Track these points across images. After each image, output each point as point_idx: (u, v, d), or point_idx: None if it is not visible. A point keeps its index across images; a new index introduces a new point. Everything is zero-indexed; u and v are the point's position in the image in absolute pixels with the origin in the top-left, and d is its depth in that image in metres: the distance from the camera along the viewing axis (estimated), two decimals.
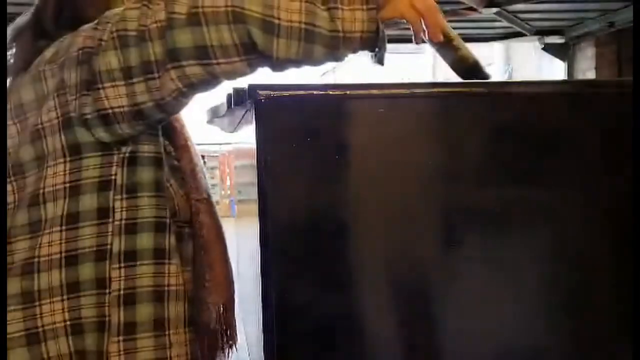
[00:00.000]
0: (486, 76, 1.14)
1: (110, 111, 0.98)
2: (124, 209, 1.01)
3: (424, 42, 1.14)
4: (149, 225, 1.02)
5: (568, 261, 1.25)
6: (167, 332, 1.02)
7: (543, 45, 5.77)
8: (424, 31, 1.09)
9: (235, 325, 1.25)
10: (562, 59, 5.83)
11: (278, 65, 1.03)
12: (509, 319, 1.23)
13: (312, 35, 0.95)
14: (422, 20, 1.07)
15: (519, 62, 8.18)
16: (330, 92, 1.15)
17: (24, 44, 1.11)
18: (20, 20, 1.16)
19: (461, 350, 1.22)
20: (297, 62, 1.03)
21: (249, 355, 1.66)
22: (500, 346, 1.24)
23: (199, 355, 1.11)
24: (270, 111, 1.10)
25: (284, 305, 1.13)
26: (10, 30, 1.15)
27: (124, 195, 1.01)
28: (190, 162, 1.15)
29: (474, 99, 1.22)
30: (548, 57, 6.01)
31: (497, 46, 8.17)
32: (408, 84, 1.20)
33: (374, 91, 1.19)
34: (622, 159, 1.24)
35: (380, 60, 1.10)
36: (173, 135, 1.14)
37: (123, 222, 1.00)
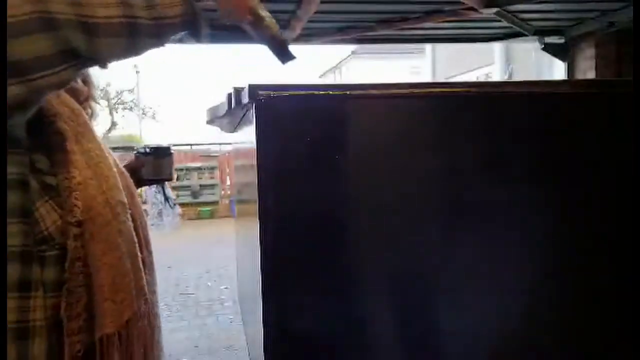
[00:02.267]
0: (293, 57, 1.11)
1: None
2: None
3: (233, 24, 1.08)
4: (14, 255, 0.92)
5: (568, 260, 1.25)
6: None
7: (543, 45, 5.76)
8: (232, 12, 1.02)
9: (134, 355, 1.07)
10: (562, 59, 5.83)
11: (105, 62, 0.92)
12: (508, 317, 1.23)
13: (135, 27, 0.87)
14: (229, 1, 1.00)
15: (519, 62, 8.17)
16: (330, 92, 1.15)
17: None
18: None
19: (461, 350, 1.22)
20: (125, 56, 0.93)
21: (249, 355, 1.66)
22: (500, 345, 1.24)
23: None
24: (270, 111, 1.10)
25: (284, 305, 1.13)
26: None
27: None
28: (67, 178, 0.98)
29: (473, 99, 1.22)
30: (548, 57, 6.01)
31: (497, 46, 8.17)
32: (408, 84, 1.20)
33: (374, 91, 1.19)
34: (622, 159, 1.24)
35: (198, 38, 1.01)
36: (53, 148, 0.99)
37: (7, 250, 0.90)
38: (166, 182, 1.48)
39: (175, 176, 1.47)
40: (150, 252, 1.14)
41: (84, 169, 1.01)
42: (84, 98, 1.09)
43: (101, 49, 0.86)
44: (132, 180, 1.16)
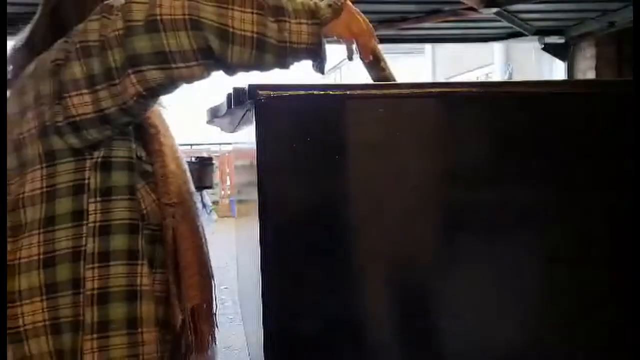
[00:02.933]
0: None
1: (77, 118, 1.02)
2: (97, 212, 1.05)
3: (356, 59, 1.26)
4: (122, 227, 1.06)
5: (568, 261, 1.25)
6: (139, 330, 1.05)
7: (543, 45, 5.77)
8: (357, 50, 1.22)
9: (207, 331, 1.23)
10: (562, 59, 5.83)
11: (231, 69, 1.08)
12: (508, 318, 1.23)
13: (263, 44, 1.03)
14: (356, 41, 1.20)
15: (519, 62, 8.17)
16: (330, 92, 1.15)
17: (19, 60, 1.16)
18: (18, 39, 1.21)
19: (461, 349, 1.22)
20: (249, 68, 1.09)
21: (249, 355, 1.66)
22: (500, 345, 1.24)
23: (170, 355, 1.12)
24: (270, 111, 1.10)
25: (284, 305, 1.13)
26: (9, 49, 1.21)
27: (98, 199, 1.05)
28: (163, 166, 1.16)
29: (474, 99, 1.22)
30: (548, 57, 6.01)
31: (497, 46, 8.17)
32: (408, 84, 1.20)
33: (374, 91, 1.19)
34: (622, 159, 1.24)
35: (321, 70, 1.19)
36: (147, 141, 1.16)
37: (97, 224, 1.04)
38: (205, 190, 1.63)
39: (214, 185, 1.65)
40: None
41: (172, 160, 1.18)
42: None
43: (231, 54, 1.02)
44: None
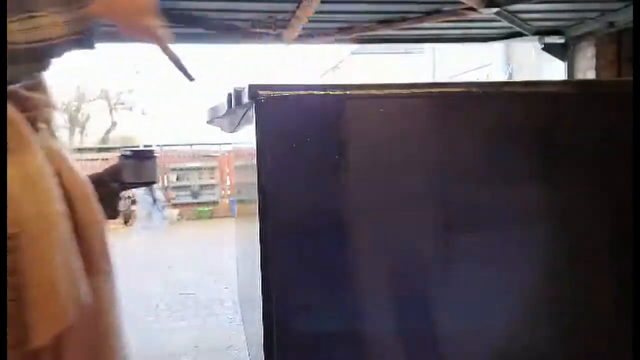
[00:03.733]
0: (192, 77, 1.13)
1: None
2: None
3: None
4: None
5: (568, 259, 1.25)
6: None
7: (543, 45, 5.76)
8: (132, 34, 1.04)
9: None
10: (562, 59, 5.83)
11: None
12: (508, 316, 1.23)
13: (13, 53, 0.87)
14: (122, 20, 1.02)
15: (519, 62, 8.16)
16: (330, 92, 1.15)
17: None
18: None
19: (460, 349, 1.22)
20: (30, 76, 0.95)
21: (249, 355, 1.66)
22: (500, 344, 1.24)
23: None
24: (270, 111, 1.10)
25: (284, 305, 1.13)
26: None
27: None
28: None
29: (473, 99, 1.22)
30: (548, 57, 6.01)
31: (497, 46, 8.16)
32: (408, 84, 1.20)
33: (374, 91, 1.19)
34: (622, 159, 1.24)
35: (90, 45, 1.01)
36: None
37: None
38: (153, 185, 1.46)
39: (159, 179, 1.44)
40: (107, 258, 1.12)
41: (17, 181, 0.99)
42: (32, 106, 1.05)
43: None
44: (91, 187, 1.12)
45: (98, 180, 1.16)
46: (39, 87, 1.09)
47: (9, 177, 0.97)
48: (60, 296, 1.01)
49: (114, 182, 1.21)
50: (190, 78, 1.08)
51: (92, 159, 10.05)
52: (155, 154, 1.36)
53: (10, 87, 0.95)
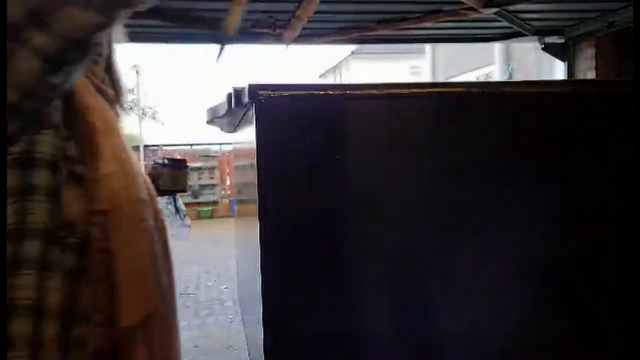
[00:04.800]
0: None
1: None
2: (13, 214, 0.94)
3: None
4: (35, 232, 0.95)
5: (567, 260, 1.26)
6: (41, 351, 0.94)
7: (543, 45, 5.76)
8: None
9: (143, 357, 1.07)
10: (562, 59, 5.83)
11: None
12: (508, 316, 1.23)
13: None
14: None
15: (519, 62, 8.17)
16: (330, 92, 1.15)
17: None
18: None
19: (461, 350, 1.22)
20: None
21: (249, 355, 1.66)
22: (499, 344, 1.24)
23: None
24: (270, 111, 1.10)
25: (284, 305, 1.13)
26: None
27: (15, 199, 0.95)
28: (95, 169, 1.03)
29: (473, 99, 1.22)
30: (548, 57, 6.01)
31: (497, 46, 8.17)
32: (408, 84, 1.20)
33: (374, 91, 1.19)
34: (622, 159, 1.24)
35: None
36: (82, 140, 1.05)
37: (12, 227, 0.94)
38: (178, 194, 1.53)
39: (188, 188, 1.54)
40: (168, 257, 1.16)
41: (110, 162, 1.05)
42: (110, 102, 1.11)
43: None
44: (152, 186, 1.18)
45: None
46: (117, 86, 1.16)
47: (104, 158, 1.03)
48: (148, 278, 1.07)
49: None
50: None
51: None
52: (188, 165, 1.47)
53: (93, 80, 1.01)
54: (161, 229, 1.15)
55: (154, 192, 1.17)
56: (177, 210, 1.57)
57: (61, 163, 0.98)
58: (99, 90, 1.08)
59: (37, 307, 0.93)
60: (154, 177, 1.39)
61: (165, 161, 1.46)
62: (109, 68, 1.12)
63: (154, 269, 1.08)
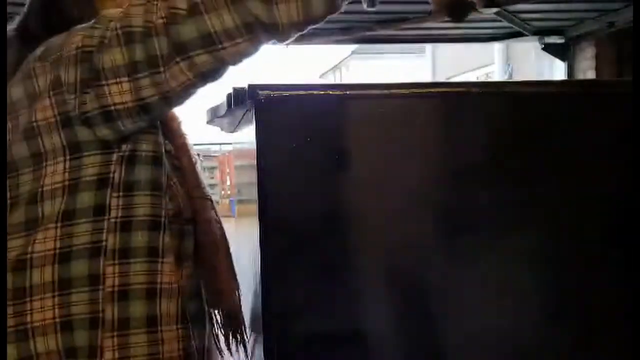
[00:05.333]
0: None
1: (112, 107, 0.99)
2: (120, 207, 1.02)
3: None
4: (144, 223, 1.03)
5: (567, 260, 1.25)
6: (159, 329, 1.03)
7: (543, 45, 5.77)
8: None
9: (238, 326, 1.22)
10: (562, 59, 5.83)
11: (283, 33, 1.01)
12: (508, 317, 1.23)
13: None
14: None
15: (519, 62, 8.17)
16: (330, 92, 1.15)
17: (13, 51, 1.12)
18: (8, 30, 1.16)
19: (461, 351, 1.22)
20: (301, 24, 1.01)
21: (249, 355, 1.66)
22: (500, 345, 1.24)
23: (193, 351, 1.08)
24: (270, 111, 1.10)
25: (284, 306, 1.14)
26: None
27: (121, 193, 1.02)
28: (190, 160, 1.15)
29: (474, 99, 1.22)
30: (548, 57, 6.02)
31: (497, 46, 8.17)
32: (408, 84, 1.20)
33: (374, 91, 1.19)
34: (622, 159, 1.24)
35: (372, 3, 1.17)
36: (171, 134, 1.14)
37: (119, 219, 1.02)
38: None
39: None
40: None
41: (194, 154, 1.17)
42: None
43: (279, 15, 0.96)
44: None
45: None
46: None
47: (182, 161, 1.14)
48: (233, 274, 1.20)
49: None
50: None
51: None
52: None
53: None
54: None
55: None
56: None
57: (163, 158, 1.07)
58: None
59: (151, 290, 1.03)
60: None
61: None
62: None
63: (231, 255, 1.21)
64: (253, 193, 1.18)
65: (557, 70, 6.10)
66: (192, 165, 1.15)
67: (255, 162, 1.12)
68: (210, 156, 11.62)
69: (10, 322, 0.99)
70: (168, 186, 1.07)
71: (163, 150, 1.08)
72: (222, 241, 1.18)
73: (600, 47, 5.43)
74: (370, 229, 1.18)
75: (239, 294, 1.21)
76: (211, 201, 1.19)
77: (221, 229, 1.20)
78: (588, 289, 1.27)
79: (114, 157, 1.03)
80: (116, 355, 1.00)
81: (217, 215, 1.19)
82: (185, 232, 1.11)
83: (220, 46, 0.97)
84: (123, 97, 0.99)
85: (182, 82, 1.00)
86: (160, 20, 0.96)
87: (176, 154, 1.13)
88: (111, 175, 1.03)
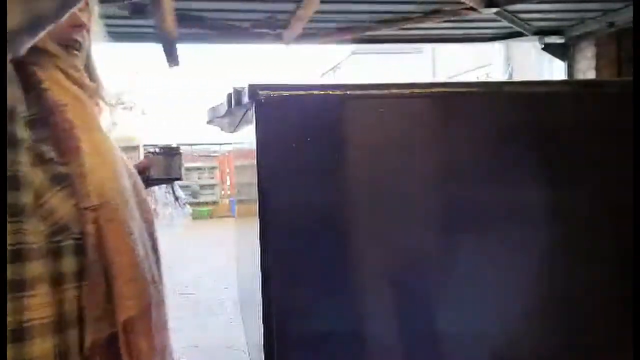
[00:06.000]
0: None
1: None
2: (10, 234, 0.91)
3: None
4: (10, 253, 0.91)
5: (567, 259, 1.25)
6: None
7: (543, 45, 5.77)
8: None
9: (146, 346, 1.05)
10: (562, 59, 5.83)
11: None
12: (508, 316, 1.23)
13: None
14: None
15: (519, 62, 8.17)
16: (330, 92, 1.15)
17: None
18: None
19: (461, 351, 1.22)
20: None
21: (249, 355, 1.66)
22: (500, 344, 1.24)
23: None
24: (270, 111, 1.10)
25: (284, 305, 1.13)
26: None
27: (10, 219, 0.91)
28: (79, 165, 1.00)
29: (474, 99, 1.22)
30: (548, 57, 6.01)
31: (497, 46, 8.17)
32: (408, 84, 1.20)
33: (374, 91, 1.19)
34: (622, 159, 1.24)
35: None
36: (60, 138, 1.01)
37: (10, 248, 0.91)
38: (176, 182, 1.51)
39: (184, 176, 1.50)
40: (156, 250, 1.15)
41: (93, 156, 1.02)
42: (89, 94, 1.09)
43: None
44: (139, 178, 1.17)
45: None
46: (94, 77, 1.14)
47: (86, 153, 1.00)
48: (142, 270, 1.05)
49: (142, 179, 1.25)
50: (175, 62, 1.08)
51: None
52: (180, 151, 1.43)
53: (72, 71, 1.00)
54: (149, 221, 1.13)
55: (141, 184, 1.15)
56: (177, 198, 1.56)
57: (18, 177, 0.93)
58: (78, 84, 1.05)
59: (18, 331, 0.90)
60: (146, 166, 1.38)
61: (156, 150, 1.43)
62: (88, 63, 1.11)
63: (146, 260, 1.06)
64: (253, 193, 1.18)
65: (557, 70, 6.09)
66: (82, 170, 1.00)
67: (255, 162, 1.12)
68: (210, 156, 11.62)
69: None
70: (38, 206, 0.93)
71: (21, 169, 0.94)
72: (118, 253, 1.01)
73: (600, 47, 5.43)
74: (369, 228, 1.18)
75: (150, 309, 1.06)
76: (109, 208, 1.02)
77: (119, 237, 1.02)
78: (591, 287, 1.27)
79: None
80: None
81: (116, 223, 1.02)
82: (64, 250, 0.97)
83: None
84: None
85: None
86: None
87: (62, 160, 0.99)
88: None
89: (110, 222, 1.01)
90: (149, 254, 1.09)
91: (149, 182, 1.36)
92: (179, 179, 1.45)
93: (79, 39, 1.06)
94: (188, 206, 1.62)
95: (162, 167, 1.40)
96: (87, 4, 1.07)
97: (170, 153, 1.41)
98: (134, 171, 1.16)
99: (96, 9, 1.11)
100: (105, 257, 0.99)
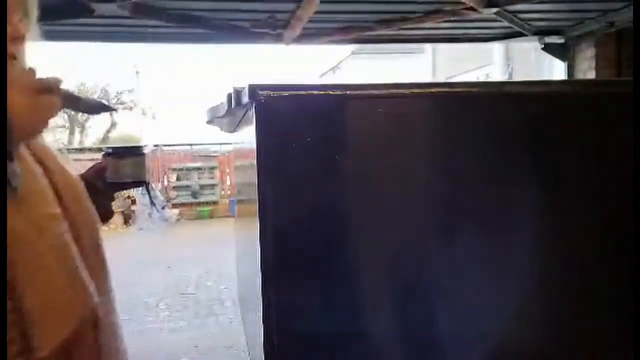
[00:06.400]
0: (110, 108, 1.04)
1: None
2: None
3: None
4: None
5: (567, 259, 1.25)
6: None
7: (543, 45, 5.77)
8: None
9: None
10: (562, 59, 5.83)
11: None
12: (508, 316, 1.23)
13: None
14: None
15: (519, 62, 8.17)
16: (330, 92, 1.15)
17: None
18: None
19: (461, 351, 1.22)
20: None
21: (249, 355, 1.66)
22: (500, 344, 1.24)
23: None
24: (270, 111, 1.10)
25: (284, 305, 1.13)
26: None
27: None
28: None
29: (474, 99, 1.22)
30: (548, 57, 6.01)
31: (497, 46, 8.17)
32: (408, 84, 1.20)
33: (374, 91, 1.19)
34: (621, 159, 1.24)
35: None
36: None
37: None
38: (148, 185, 1.31)
39: (149, 179, 1.28)
40: (101, 257, 1.09)
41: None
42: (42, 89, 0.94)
43: None
44: (82, 185, 1.09)
45: (84, 181, 1.12)
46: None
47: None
48: (61, 301, 0.97)
49: (99, 182, 1.18)
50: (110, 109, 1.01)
51: (92, 159, 10.06)
52: (141, 152, 1.24)
53: None
54: (90, 233, 1.05)
55: (81, 195, 1.06)
56: (152, 201, 1.37)
57: None
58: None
59: None
60: (102, 168, 1.23)
61: (109, 150, 1.23)
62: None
63: (72, 285, 0.98)
64: (253, 193, 1.18)
65: (557, 70, 6.09)
66: None
67: (255, 162, 1.12)
68: (210, 156, 11.62)
69: None
70: None
71: None
72: (27, 290, 0.91)
73: (600, 47, 5.43)
74: (370, 228, 1.18)
75: (82, 333, 0.98)
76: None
77: (28, 259, 0.93)
78: (591, 287, 1.27)
79: None
80: None
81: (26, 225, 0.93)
82: None
83: None
84: None
85: None
86: None
87: None
88: None
89: (17, 263, 0.91)
90: (77, 280, 1.00)
91: (111, 185, 1.23)
92: (141, 182, 1.26)
93: (17, 52, 0.97)
94: (169, 210, 1.48)
95: (114, 169, 1.21)
96: (26, 13, 0.99)
97: (122, 154, 1.22)
98: (79, 185, 1.07)
99: (35, 13, 1.02)
100: (17, 296, 0.90)
